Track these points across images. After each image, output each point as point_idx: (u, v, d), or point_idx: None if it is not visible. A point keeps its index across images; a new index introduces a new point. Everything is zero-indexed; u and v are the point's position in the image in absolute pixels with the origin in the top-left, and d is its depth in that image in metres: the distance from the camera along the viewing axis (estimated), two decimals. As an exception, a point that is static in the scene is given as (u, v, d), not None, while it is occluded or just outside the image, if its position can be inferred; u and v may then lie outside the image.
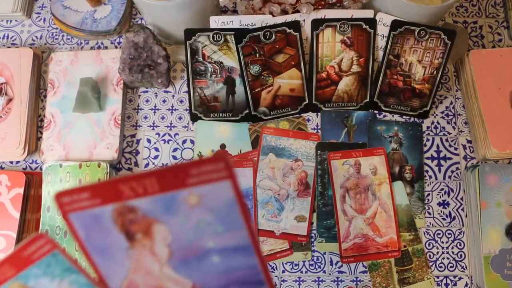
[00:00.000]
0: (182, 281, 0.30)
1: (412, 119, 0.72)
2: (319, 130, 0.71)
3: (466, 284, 0.65)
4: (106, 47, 0.76)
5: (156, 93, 0.73)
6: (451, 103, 0.73)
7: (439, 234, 0.67)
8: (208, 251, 0.29)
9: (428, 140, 0.71)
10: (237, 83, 0.71)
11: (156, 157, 0.70)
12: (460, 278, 0.65)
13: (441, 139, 0.71)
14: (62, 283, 0.31)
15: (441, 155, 0.71)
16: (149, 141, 0.71)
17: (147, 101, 0.73)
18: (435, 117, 0.72)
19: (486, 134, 0.67)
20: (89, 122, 0.69)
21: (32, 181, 0.65)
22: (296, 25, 0.69)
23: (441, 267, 0.66)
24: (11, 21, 0.78)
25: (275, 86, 0.70)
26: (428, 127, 0.72)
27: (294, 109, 0.71)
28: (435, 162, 0.70)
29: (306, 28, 0.71)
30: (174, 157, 0.70)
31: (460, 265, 0.66)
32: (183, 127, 0.72)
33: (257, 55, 0.69)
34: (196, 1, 0.65)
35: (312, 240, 0.66)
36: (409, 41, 0.69)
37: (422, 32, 0.69)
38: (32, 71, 0.71)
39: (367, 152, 0.67)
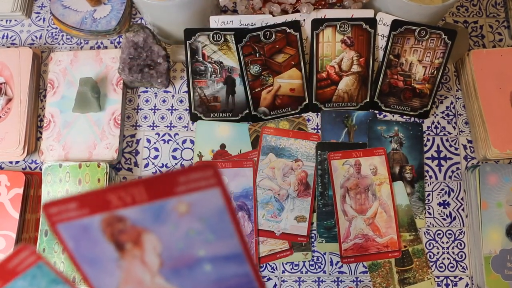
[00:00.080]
0: None
1: (412, 119, 0.72)
2: (319, 130, 0.71)
3: (467, 285, 0.65)
4: (105, 47, 0.76)
5: (156, 93, 0.73)
6: (452, 103, 0.73)
7: (439, 234, 0.67)
8: (199, 259, 0.29)
9: (428, 140, 0.71)
10: (237, 83, 0.71)
11: (156, 157, 0.70)
12: (460, 279, 0.65)
13: (441, 139, 0.71)
14: None
15: (442, 155, 0.71)
16: (149, 141, 0.71)
17: (147, 101, 0.73)
18: (435, 117, 0.72)
19: (487, 134, 0.67)
20: (88, 122, 0.69)
21: (32, 181, 0.65)
22: (296, 25, 0.69)
23: (441, 267, 0.66)
24: (10, 20, 0.78)
25: (275, 86, 0.70)
26: (428, 127, 0.72)
27: (294, 109, 0.71)
28: (436, 162, 0.70)
29: (306, 28, 0.71)
30: (174, 157, 0.70)
31: (461, 266, 0.66)
32: (183, 127, 0.71)
33: (257, 55, 0.69)
34: (196, 1, 0.65)
35: (312, 240, 0.66)
36: (410, 41, 0.69)
37: (423, 32, 0.68)
38: (32, 71, 0.70)
39: (368, 152, 0.67)
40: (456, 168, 0.70)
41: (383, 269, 0.64)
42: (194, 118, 0.70)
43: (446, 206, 0.68)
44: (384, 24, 0.70)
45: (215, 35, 0.70)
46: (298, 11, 0.69)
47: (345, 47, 0.70)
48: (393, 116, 0.72)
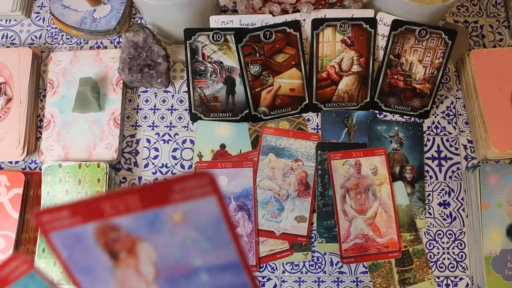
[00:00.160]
0: None
1: (412, 119, 0.71)
2: (319, 130, 0.71)
3: (467, 285, 0.65)
4: (105, 47, 0.76)
5: (155, 93, 0.73)
6: (452, 103, 0.73)
7: (439, 234, 0.67)
8: (196, 269, 0.28)
9: (428, 140, 0.71)
10: (237, 83, 0.71)
11: (155, 157, 0.70)
12: (461, 279, 0.65)
13: (441, 139, 0.71)
14: None
15: (442, 155, 0.70)
16: (148, 141, 0.71)
17: (146, 101, 0.73)
18: (435, 117, 0.72)
19: (487, 134, 0.66)
20: (88, 122, 0.69)
21: (31, 181, 0.65)
22: (296, 25, 0.69)
23: (441, 267, 0.65)
24: (10, 20, 0.78)
25: (275, 86, 0.70)
26: (428, 127, 0.72)
27: (294, 109, 0.71)
28: (436, 162, 0.70)
29: (306, 28, 0.71)
30: (174, 157, 0.70)
31: (461, 266, 0.66)
32: (183, 127, 0.71)
33: (257, 54, 0.69)
34: (196, 0, 0.65)
35: (312, 240, 0.66)
36: (410, 41, 0.69)
37: (423, 32, 0.68)
38: (31, 71, 0.70)
39: (368, 152, 0.67)
40: (457, 168, 0.70)
41: (383, 269, 0.64)
42: (194, 118, 0.70)
43: (446, 206, 0.68)
44: (384, 24, 0.70)
45: (215, 35, 0.69)
46: (298, 11, 0.69)
47: (345, 47, 0.70)
48: (393, 116, 0.72)
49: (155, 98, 0.73)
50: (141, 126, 0.71)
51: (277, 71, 0.70)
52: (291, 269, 0.65)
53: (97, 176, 0.63)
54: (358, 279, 0.65)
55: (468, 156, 0.71)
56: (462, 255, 0.66)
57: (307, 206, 0.66)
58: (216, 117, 0.70)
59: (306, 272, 0.65)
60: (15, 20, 0.78)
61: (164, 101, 0.73)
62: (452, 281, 0.65)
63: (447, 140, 0.71)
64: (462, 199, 0.68)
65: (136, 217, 0.26)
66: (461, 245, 0.67)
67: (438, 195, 0.69)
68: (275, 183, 0.67)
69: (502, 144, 0.66)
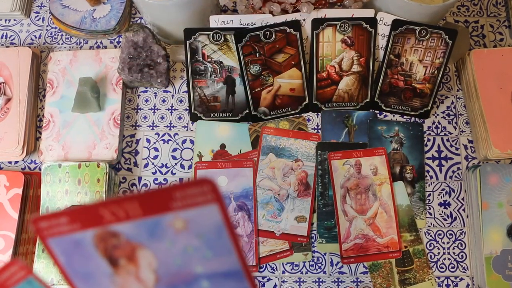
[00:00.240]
0: None
1: (413, 119, 0.71)
2: (319, 130, 0.71)
3: (467, 285, 0.65)
4: (105, 47, 0.76)
5: (155, 93, 0.73)
6: (452, 103, 0.73)
7: (440, 234, 0.67)
8: (197, 276, 0.28)
9: (429, 140, 0.71)
10: (237, 83, 0.70)
11: (155, 157, 0.70)
12: (461, 279, 0.65)
13: (442, 139, 0.71)
14: None
15: (442, 155, 0.70)
16: (148, 141, 0.71)
17: (146, 101, 0.73)
18: (436, 117, 0.72)
19: (488, 134, 0.66)
20: (88, 122, 0.69)
21: (31, 181, 0.65)
22: (296, 25, 0.69)
23: (442, 268, 0.65)
24: (9, 20, 0.78)
25: (275, 86, 0.70)
26: (429, 127, 0.71)
27: (294, 109, 0.71)
28: (436, 162, 0.70)
29: (307, 28, 0.71)
30: (174, 157, 0.70)
31: (461, 266, 0.66)
32: (182, 127, 0.71)
33: (257, 54, 0.69)
34: (195, 0, 0.65)
35: (313, 240, 0.66)
36: (410, 41, 0.69)
37: (423, 32, 0.68)
38: (31, 71, 0.70)
39: (368, 152, 0.67)
40: (457, 168, 0.70)
41: (384, 269, 0.64)
42: (194, 118, 0.70)
43: (446, 206, 0.68)
44: (384, 24, 0.70)
45: (215, 34, 0.69)
46: (298, 10, 0.69)
47: (346, 46, 0.70)
48: (393, 116, 0.72)
49: (155, 98, 0.73)
50: (141, 126, 0.71)
51: (277, 71, 0.70)
52: (291, 269, 0.65)
53: (97, 176, 0.63)
54: (358, 279, 0.65)
55: (469, 156, 0.70)
56: (462, 255, 0.66)
57: (307, 206, 0.66)
58: (216, 117, 0.70)
59: (306, 272, 0.65)
60: (14, 20, 0.78)
61: (164, 101, 0.73)
62: (452, 281, 0.65)
63: (448, 140, 0.71)
64: (463, 199, 0.68)
65: (136, 224, 0.26)
66: (461, 245, 0.66)
67: (439, 195, 0.68)
68: (275, 183, 0.67)
69: (502, 144, 0.66)
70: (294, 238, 0.65)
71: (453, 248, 0.66)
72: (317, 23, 0.70)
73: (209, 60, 0.70)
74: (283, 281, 0.65)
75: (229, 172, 0.66)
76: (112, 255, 0.27)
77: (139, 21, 0.78)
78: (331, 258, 0.66)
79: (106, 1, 0.75)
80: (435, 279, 0.64)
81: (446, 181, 0.69)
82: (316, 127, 0.71)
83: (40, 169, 0.68)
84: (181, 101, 0.73)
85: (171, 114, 0.72)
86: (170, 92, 0.73)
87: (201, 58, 0.70)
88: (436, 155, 0.70)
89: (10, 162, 0.70)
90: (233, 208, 0.65)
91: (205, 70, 0.70)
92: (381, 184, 0.66)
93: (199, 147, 0.69)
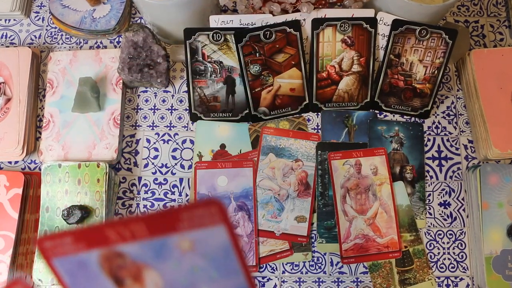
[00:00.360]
0: None
1: (413, 119, 0.71)
2: (319, 130, 0.71)
3: (468, 285, 0.65)
4: (105, 47, 0.76)
5: (155, 93, 0.73)
6: (452, 103, 0.73)
7: (440, 234, 0.67)
8: None
9: (429, 140, 0.71)
10: (237, 83, 0.70)
11: (155, 157, 0.70)
12: (461, 279, 0.65)
13: (442, 139, 0.71)
14: None
15: (442, 155, 0.70)
16: (148, 141, 0.71)
17: (146, 101, 0.73)
18: (436, 117, 0.72)
19: (488, 134, 0.66)
20: (88, 122, 0.68)
21: (31, 181, 0.65)
22: (296, 25, 0.69)
23: (442, 268, 0.65)
24: (9, 20, 0.78)
25: (275, 86, 0.70)
26: (429, 127, 0.71)
27: (294, 109, 0.71)
28: (436, 162, 0.70)
29: (307, 28, 0.71)
30: (174, 157, 0.70)
31: (461, 266, 0.66)
32: (182, 127, 0.71)
33: (257, 54, 0.69)
34: (195, 0, 0.65)
35: (313, 240, 0.66)
36: (410, 41, 0.69)
37: (423, 32, 0.68)
38: (31, 71, 0.70)
39: (368, 152, 0.67)
40: (457, 168, 0.70)
41: (384, 269, 0.64)
42: (194, 118, 0.70)
43: (446, 206, 0.68)
44: (384, 24, 0.70)
45: (215, 34, 0.69)
46: (298, 10, 0.69)
47: (346, 46, 0.70)
48: (393, 116, 0.72)
49: (155, 98, 0.73)
50: (141, 126, 0.71)
51: (277, 71, 0.70)
52: (291, 269, 0.65)
53: (97, 176, 0.63)
54: (358, 279, 0.65)
55: (469, 156, 0.70)
56: (462, 255, 0.66)
57: (307, 206, 0.66)
58: (216, 117, 0.70)
59: (306, 272, 0.65)
60: (14, 19, 0.78)
61: (164, 101, 0.73)
62: (452, 281, 0.65)
63: (448, 140, 0.71)
64: (463, 199, 0.68)
65: (142, 245, 0.26)
66: (461, 245, 0.66)
67: (439, 195, 0.68)
68: (275, 183, 0.66)
69: (502, 144, 0.66)
70: (294, 238, 0.65)
71: (453, 248, 0.66)
72: (317, 23, 0.69)
73: (209, 60, 0.70)
74: (283, 281, 0.65)
75: (229, 172, 0.66)
76: (117, 275, 0.27)
77: (139, 21, 0.78)
78: (331, 258, 0.66)
79: (106, 1, 0.75)
80: (435, 279, 0.64)
81: (446, 181, 0.69)
82: (316, 127, 0.71)
83: (40, 169, 0.68)
84: (181, 101, 0.73)
85: (171, 114, 0.72)
86: (170, 92, 0.73)
87: (201, 58, 0.70)
88: (436, 155, 0.70)
89: (10, 162, 0.70)
90: (233, 208, 0.65)
91: (205, 70, 0.70)
92: (381, 184, 0.66)
93: (199, 147, 0.69)
